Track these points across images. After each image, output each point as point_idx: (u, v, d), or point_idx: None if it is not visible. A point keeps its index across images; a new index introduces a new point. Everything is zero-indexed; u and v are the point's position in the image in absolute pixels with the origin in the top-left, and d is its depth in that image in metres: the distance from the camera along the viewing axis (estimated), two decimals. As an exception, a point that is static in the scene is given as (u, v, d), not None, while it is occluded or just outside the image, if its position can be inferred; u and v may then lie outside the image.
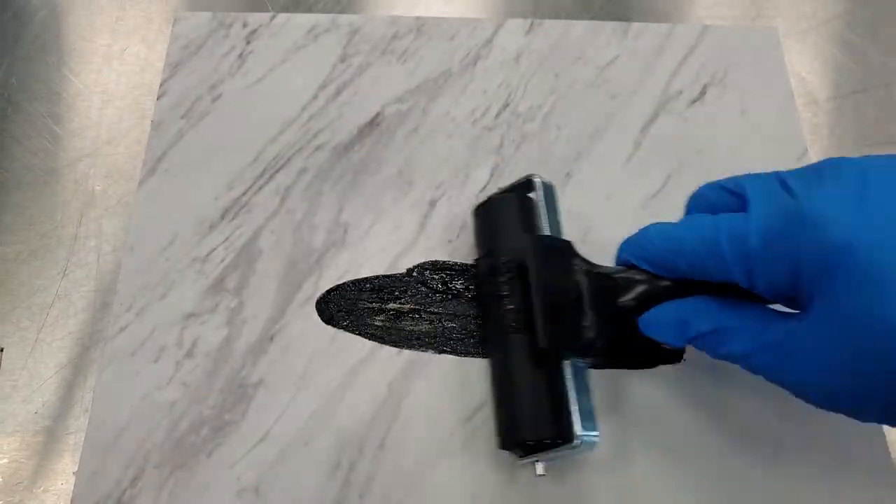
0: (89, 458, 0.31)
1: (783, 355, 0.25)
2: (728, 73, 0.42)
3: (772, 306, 0.27)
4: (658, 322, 0.29)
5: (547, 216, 0.34)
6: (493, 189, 0.38)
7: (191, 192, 0.38)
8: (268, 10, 0.44)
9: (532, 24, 0.44)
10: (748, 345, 0.26)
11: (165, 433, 0.32)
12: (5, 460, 0.32)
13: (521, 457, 0.30)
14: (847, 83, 0.44)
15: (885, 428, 0.33)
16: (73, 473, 0.32)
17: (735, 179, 0.27)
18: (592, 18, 0.45)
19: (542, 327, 0.29)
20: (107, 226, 0.38)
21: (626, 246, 0.30)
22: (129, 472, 0.31)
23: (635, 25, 0.44)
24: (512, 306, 0.31)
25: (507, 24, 0.44)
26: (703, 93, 0.42)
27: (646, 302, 0.29)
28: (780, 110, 0.41)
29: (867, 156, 0.25)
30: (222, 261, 0.36)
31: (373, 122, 0.40)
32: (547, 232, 0.33)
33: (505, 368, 0.31)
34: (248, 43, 0.42)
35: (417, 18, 0.44)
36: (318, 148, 0.39)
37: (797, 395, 0.26)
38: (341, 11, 0.45)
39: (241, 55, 0.42)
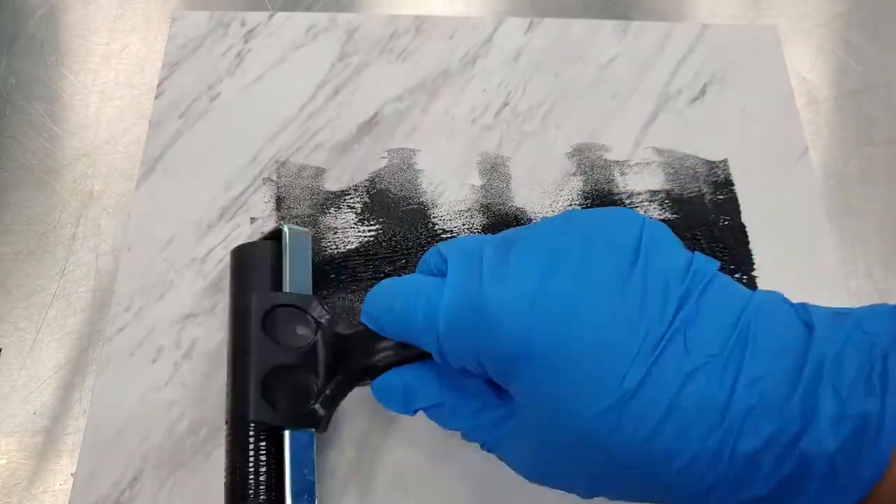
0: (88, 459, 0.31)
1: (496, 437, 0.25)
2: (728, 72, 0.42)
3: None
4: (386, 391, 0.27)
5: (289, 271, 0.31)
6: (494, 188, 0.38)
7: (189, 192, 0.38)
8: (266, 9, 0.44)
9: (531, 22, 0.44)
10: (466, 424, 0.26)
11: (164, 434, 0.32)
12: (4, 461, 0.32)
13: None
14: (848, 83, 0.44)
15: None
16: (72, 474, 0.31)
17: (446, 247, 0.26)
18: (592, 17, 0.45)
19: (253, 400, 0.28)
20: (105, 225, 0.37)
21: (363, 303, 0.28)
22: (127, 472, 0.31)
23: (635, 24, 0.44)
24: (234, 372, 0.29)
25: (506, 22, 0.44)
26: (703, 92, 0.41)
27: (379, 365, 0.28)
28: (780, 110, 0.41)
29: (566, 218, 0.24)
30: (221, 261, 0.36)
31: (371, 122, 0.40)
32: (286, 288, 0.31)
33: (228, 437, 0.29)
34: (246, 42, 0.42)
35: (416, 17, 0.43)
36: (316, 147, 0.39)
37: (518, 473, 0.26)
38: (340, 10, 0.45)
39: (239, 54, 0.42)
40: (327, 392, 0.28)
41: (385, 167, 0.39)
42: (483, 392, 0.26)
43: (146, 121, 0.40)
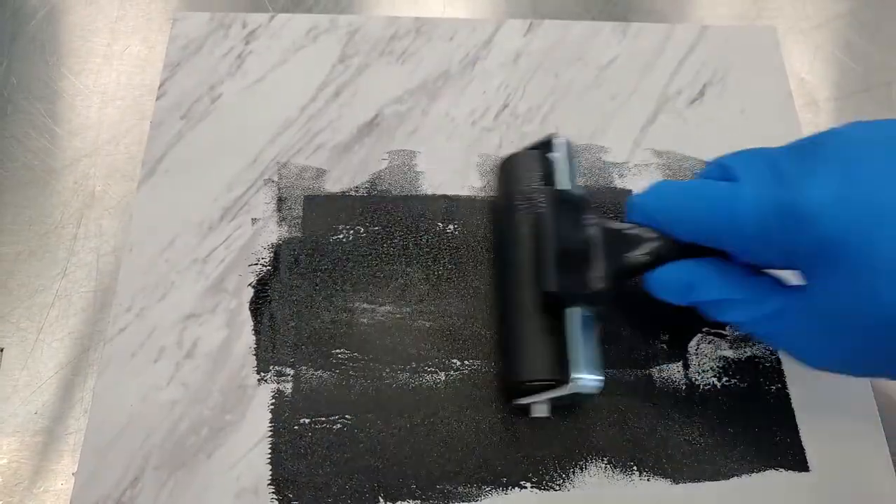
0: (89, 459, 0.31)
1: (777, 329, 0.27)
2: (727, 73, 0.42)
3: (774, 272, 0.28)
4: (663, 283, 0.29)
5: (567, 172, 0.34)
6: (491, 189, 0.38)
7: (190, 193, 0.38)
8: (267, 11, 0.44)
9: (531, 24, 0.44)
10: (747, 316, 0.28)
11: (165, 434, 0.32)
12: (5, 461, 0.32)
13: (517, 398, 0.31)
14: (847, 83, 0.44)
15: (885, 431, 0.33)
16: (73, 474, 0.32)
17: (730, 158, 0.28)
18: (592, 19, 0.45)
19: (549, 272, 0.30)
20: (107, 226, 0.38)
21: (632, 204, 0.30)
22: (128, 472, 0.31)
23: (635, 25, 0.44)
24: (524, 253, 0.32)
25: (506, 24, 0.44)
26: (702, 93, 0.42)
27: (654, 260, 0.30)
28: (779, 110, 0.41)
29: (856, 126, 0.26)
30: (222, 261, 0.36)
31: (372, 123, 0.40)
32: (565, 187, 0.34)
33: (511, 312, 0.32)
34: (247, 43, 0.42)
35: (416, 19, 0.44)
36: (317, 148, 0.39)
37: (795, 359, 0.27)
38: (340, 12, 0.45)
39: (240, 56, 0.42)
40: (605, 280, 0.30)
41: (385, 168, 0.39)
42: (763, 286, 0.28)
43: (147, 122, 0.40)
